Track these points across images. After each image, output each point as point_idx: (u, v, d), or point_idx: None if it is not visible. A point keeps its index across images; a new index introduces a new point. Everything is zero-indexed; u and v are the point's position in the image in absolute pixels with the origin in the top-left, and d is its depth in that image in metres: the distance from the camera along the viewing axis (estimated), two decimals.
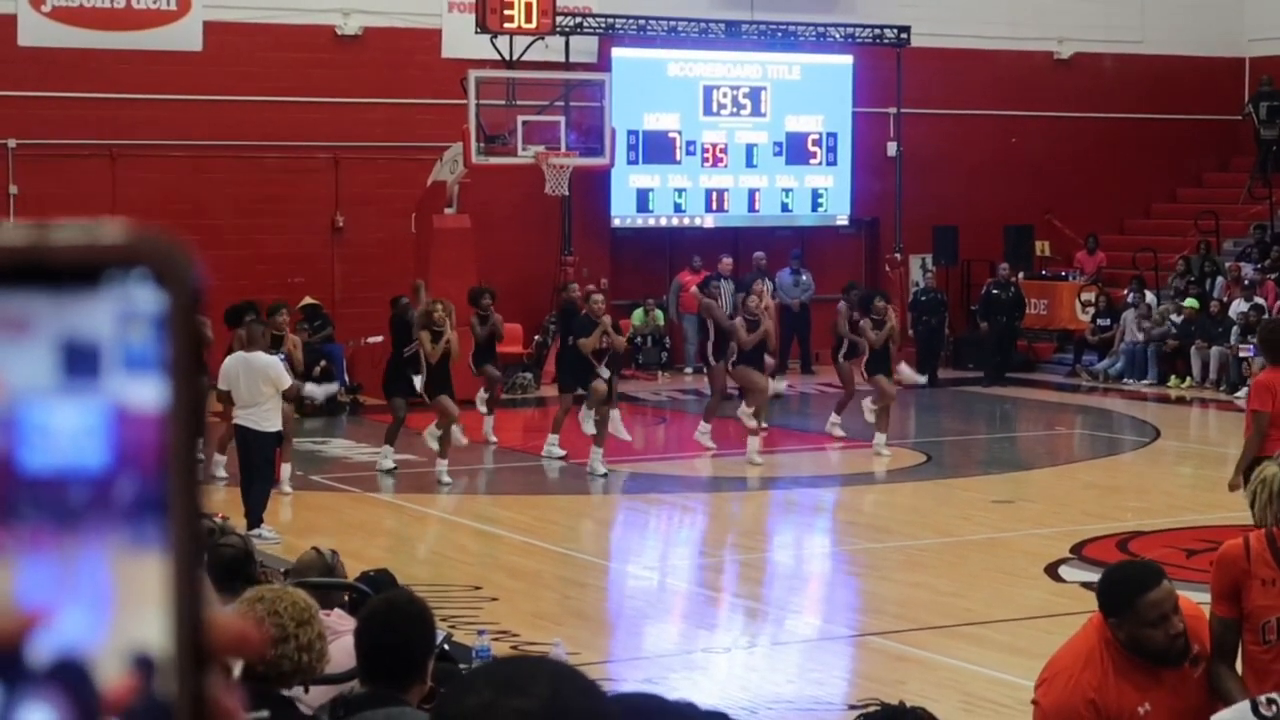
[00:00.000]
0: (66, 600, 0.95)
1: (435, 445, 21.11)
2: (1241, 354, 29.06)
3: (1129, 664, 6.19)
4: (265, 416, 17.75)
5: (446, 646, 8.63)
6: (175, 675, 0.94)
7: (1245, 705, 6.23)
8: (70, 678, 0.94)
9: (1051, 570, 16.03)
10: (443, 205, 28.23)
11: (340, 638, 7.37)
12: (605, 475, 21.29)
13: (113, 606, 0.94)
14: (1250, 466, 13.83)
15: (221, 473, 21.85)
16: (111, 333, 0.95)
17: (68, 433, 0.96)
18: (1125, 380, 30.94)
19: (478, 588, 15.34)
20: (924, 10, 33.71)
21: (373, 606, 6.36)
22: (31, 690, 0.94)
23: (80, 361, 0.95)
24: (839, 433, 23.99)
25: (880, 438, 23.13)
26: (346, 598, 8.64)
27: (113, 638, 0.94)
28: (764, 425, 22.96)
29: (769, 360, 23.04)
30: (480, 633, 10.56)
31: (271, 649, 5.78)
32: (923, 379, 24.63)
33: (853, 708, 10.90)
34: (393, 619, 6.00)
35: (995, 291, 31.98)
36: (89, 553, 0.94)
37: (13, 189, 28.53)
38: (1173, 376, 30.41)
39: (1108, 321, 31.88)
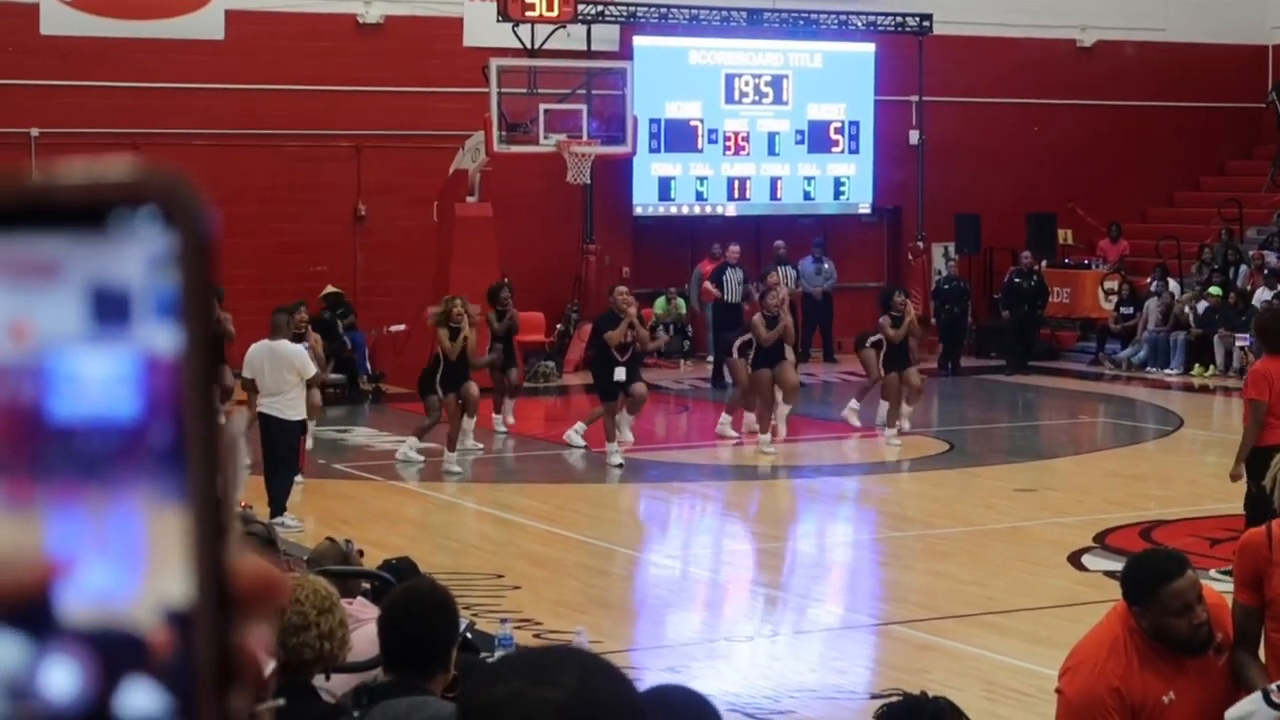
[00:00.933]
0: (96, 554, 0.94)
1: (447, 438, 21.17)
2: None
3: (1153, 652, 6.18)
4: (290, 405, 17.76)
5: (469, 635, 8.63)
6: (198, 623, 0.92)
7: (1259, 694, 6.23)
8: (100, 633, 0.93)
9: (1074, 559, 16.00)
10: (464, 194, 28.24)
11: (363, 626, 7.38)
12: (621, 466, 21.28)
13: (144, 560, 0.93)
14: (1252, 456, 13.90)
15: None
16: (141, 278, 0.95)
17: (98, 381, 0.94)
18: (1148, 369, 30.88)
19: (500, 576, 15.34)
20: None
21: (396, 595, 6.36)
22: (59, 645, 0.93)
23: (110, 308, 0.94)
24: (855, 421, 23.94)
25: (890, 432, 23.10)
26: (368, 586, 8.65)
27: (144, 592, 0.93)
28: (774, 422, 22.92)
29: (789, 355, 22.93)
30: (503, 621, 10.57)
31: (293, 637, 5.79)
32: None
33: (875, 697, 10.88)
34: (415, 607, 6.00)
35: (1018, 280, 31.91)
36: (119, 505, 0.93)
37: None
38: (1196, 365, 30.34)
39: (1130, 310, 31.81)
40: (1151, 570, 6.28)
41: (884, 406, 23.63)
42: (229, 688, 0.94)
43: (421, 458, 21.42)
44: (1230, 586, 7.10)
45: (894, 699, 4.67)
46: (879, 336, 23.52)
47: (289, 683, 5.77)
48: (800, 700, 12.01)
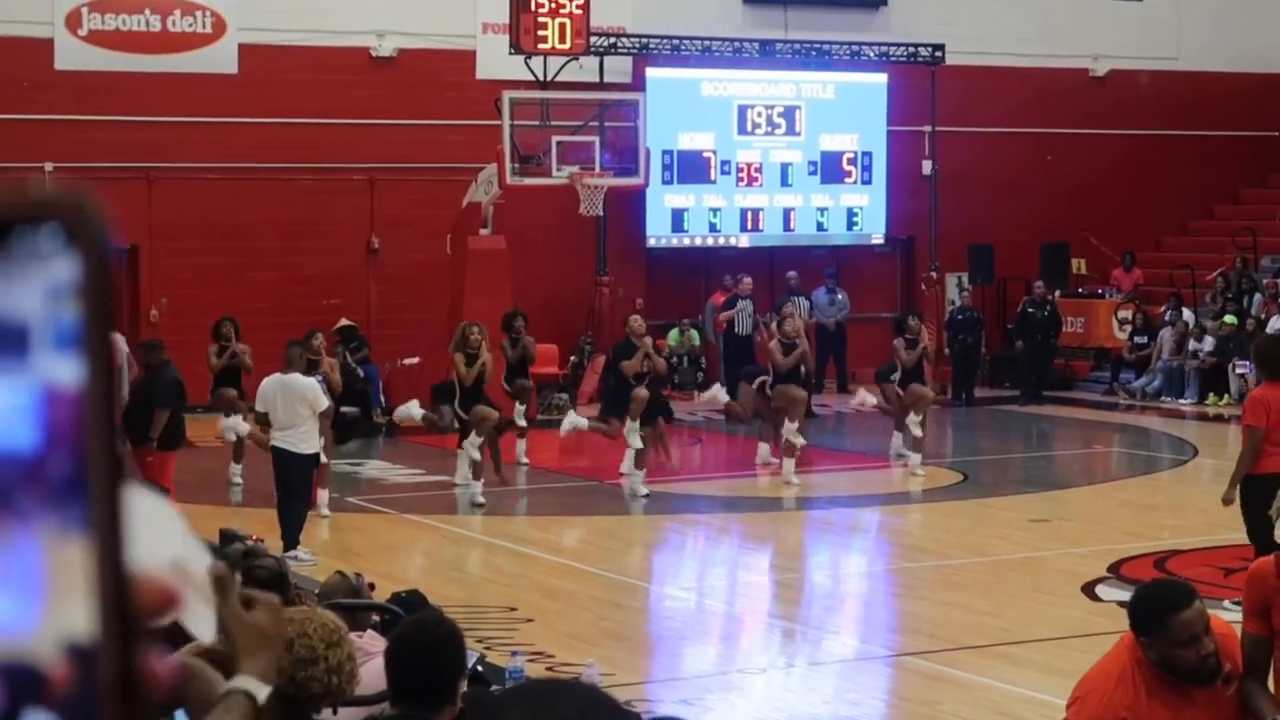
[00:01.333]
0: None
1: (469, 460, 21.12)
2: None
3: (1161, 683, 6.16)
4: (302, 438, 17.77)
5: (480, 668, 8.62)
6: (102, 645, 0.91)
7: None
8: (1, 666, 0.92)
9: (1089, 589, 15.96)
10: (478, 226, 28.27)
11: (372, 659, 7.37)
12: (647, 496, 21.25)
13: (44, 592, 0.92)
14: (1249, 484, 13.95)
15: (236, 479, 21.90)
16: (40, 309, 0.93)
17: None
18: (1163, 398, 30.83)
19: (513, 609, 15.32)
20: (958, 28, 33.68)
21: (403, 628, 6.35)
22: None
23: (9, 339, 0.93)
24: (906, 453, 23.70)
25: (916, 457, 23.08)
26: (378, 619, 8.64)
27: (45, 625, 0.92)
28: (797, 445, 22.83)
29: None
30: (514, 654, 10.55)
31: (301, 670, 5.77)
32: (872, 400, 24.24)
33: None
34: (422, 640, 5.99)
35: (1031, 310, 31.89)
36: (18, 537, 0.92)
37: None
38: (1210, 394, 30.28)
39: (1145, 339, 31.76)
40: (1159, 601, 6.25)
41: (898, 437, 23.61)
42: (133, 705, 0.93)
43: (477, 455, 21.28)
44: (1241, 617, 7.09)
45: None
46: (897, 365, 23.52)
47: (296, 717, 5.76)
48: None
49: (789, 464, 22.28)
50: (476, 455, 21.10)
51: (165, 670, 0.98)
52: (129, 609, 0.93)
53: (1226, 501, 14.58)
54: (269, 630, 2.96)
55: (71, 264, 0.95)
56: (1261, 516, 14.29)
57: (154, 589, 0.99)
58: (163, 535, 2.73)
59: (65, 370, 0.94)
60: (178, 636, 3.08)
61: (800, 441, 22.34)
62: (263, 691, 2.90)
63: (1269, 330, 29.79)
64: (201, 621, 2.77)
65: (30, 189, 0.96)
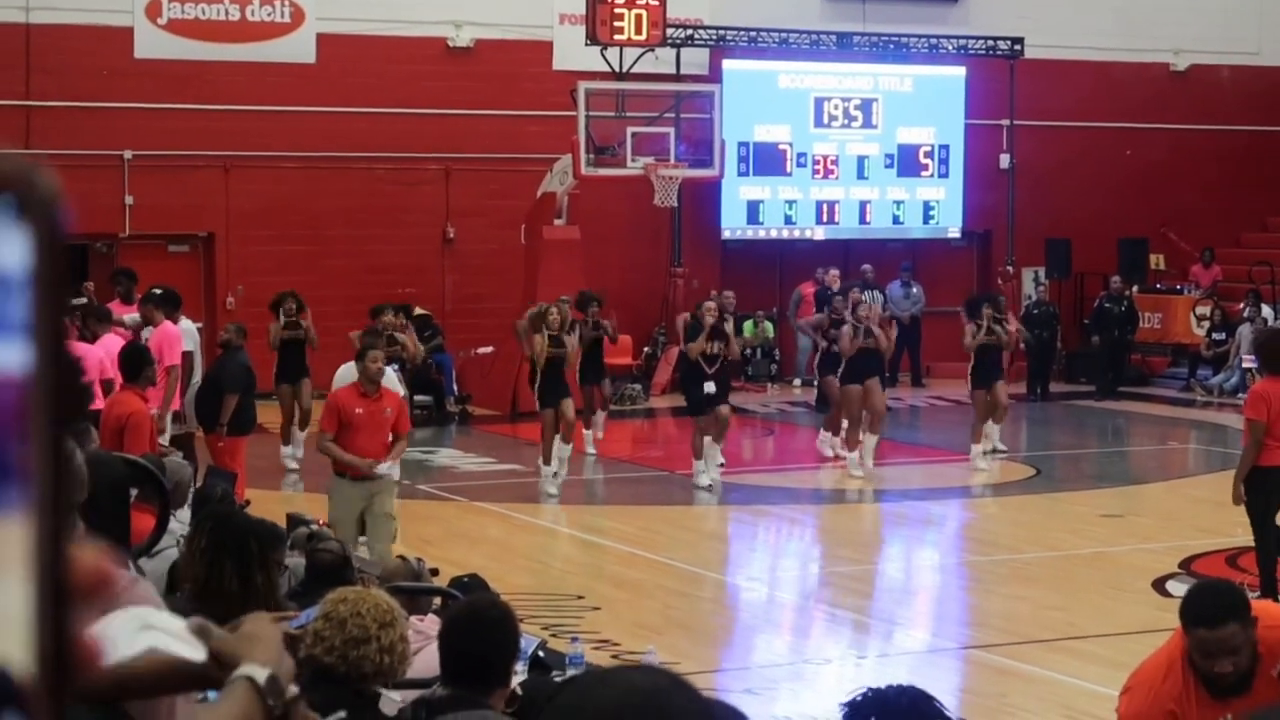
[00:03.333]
0: None
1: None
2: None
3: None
4: None
5: (541, 654, 8.63)
6: (37, 614, 0.91)
7: None
8: None
9: (1159, 585, 15.85)
10: (552, 216, 28.31)
11: (431, 643, 7.39)
12: (709, 487, 21.18)
13: None
14: (1253, 475, 14.08)
15: (292, 464, 22.03)
16: None
17: None
18: (1240, 395, 30.55)
19: (580, 597, 15.34)
20: (1037, 21, 33.49)
21: (455, 611, 6.38)
22: None
23: None
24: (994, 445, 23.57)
25: (976, 449, 22.86)
26: (438, 603, 8.66)
27: None
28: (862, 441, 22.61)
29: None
30: (573, 639, 10.56)
31: (354, 650, 5.80)
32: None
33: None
34: (475, 624, 6.02)
35: (1108, 305, 31.68)
36: None
37: (128, 199, 28.83)
38: None
39: (1223, 336, 31.51)
40: (1190, 606, 6.16)
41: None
42: (64, 677, 0.92)
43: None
44: None
45: (858, 694, 4.57)
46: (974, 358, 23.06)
47: (352, 694, 5.78)
48: None
49: (853, 455, 22.21)
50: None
51: (94, 646, 0.98)
52: (65, 585, 0.93)
53: (1237, 500, 14.60)
54: (258, 632, 3.03)
55: (24, 234, 0.93)
56: (1260, 507, 14.40)
57: (90, 568, 0.99)
58: (130, 635, 2.95)
59: (7, 352, 0.92)
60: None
61: (838, 450, 22.31)
62: (262, 673, 2.93)
63: None
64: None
65: None
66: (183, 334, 19.20)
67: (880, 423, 22.44)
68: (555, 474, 20.84)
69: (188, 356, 18.98)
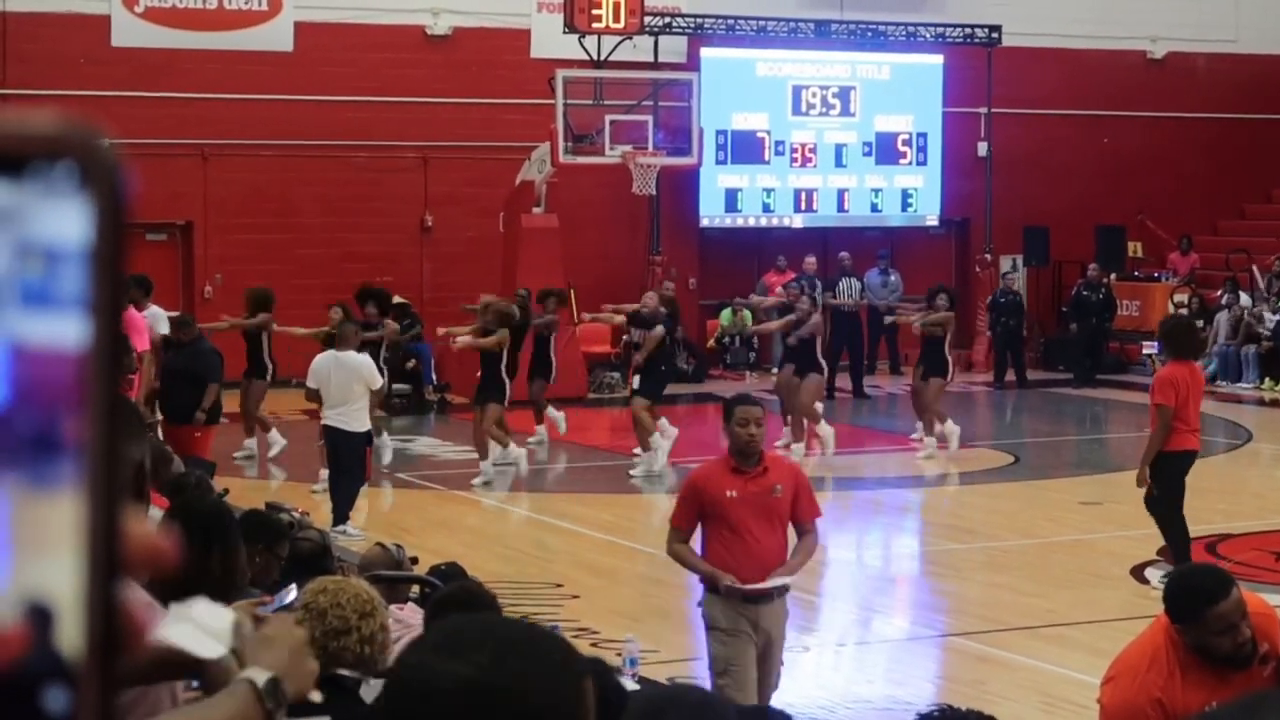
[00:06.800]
0: None
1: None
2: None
3: (1196, 664, 6.12)
4: (355, 416, 17.58)
5: None
6: (89, 592, 0.90)
7: None
8: None
9: (1137, 572, 15.88)
10: (531, 205, 28.29)
11: (411, 631, 7.38)
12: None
13: (10, 552, 0.90)
14: (1159, 460, 14.26)
15: (243, 450, 21.94)
16: (9, 266, 0.92)
17: None
18: (1219, 382, 30.63)
19: (559, 585, 15.33)
20: (1015, 9, 33.49)
21: (444, 594, 6.39)
22: None
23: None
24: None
25: (930, 440, 22.80)
26: (418, 591, 8.66)
27: (8, 585, 0.90)
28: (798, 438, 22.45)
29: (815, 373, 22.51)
30: (553, 628, 10.53)
31: (334, 640, 5.78)
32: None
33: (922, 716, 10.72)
34: (469, 605, 6.05)
35: (1086, 293, 31.74)
36: None
37: None
38: (1267, 379, 30.10)
39: (1201, 323, 31.54)
40: (1196, 591, 6.20)
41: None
42: (114, 659, 0.92)
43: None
44: None
45: (933, 713, 4.62)
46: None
47: (330, 682, 5.77)
48: (856, 711, 11.97)
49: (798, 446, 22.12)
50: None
51: (146, 623, 0.98)
52: (118, 562, 0.92)
53: (1141, 482, 14.80)
54: (275, 635, 3.04)
55: (86, 201, 0.93)
56: (1171, 492, 14.55)
57: (145, 544, 0.98)
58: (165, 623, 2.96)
59: (38, 328, 0.91)
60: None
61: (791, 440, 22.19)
62: (263, 677, 2.93)
63: None
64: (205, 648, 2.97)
65: (42, 121, 0.93)
66: (157, 319, 19.17)
67: (801, 428, 22.32)
68: (492, 469, 20.89)
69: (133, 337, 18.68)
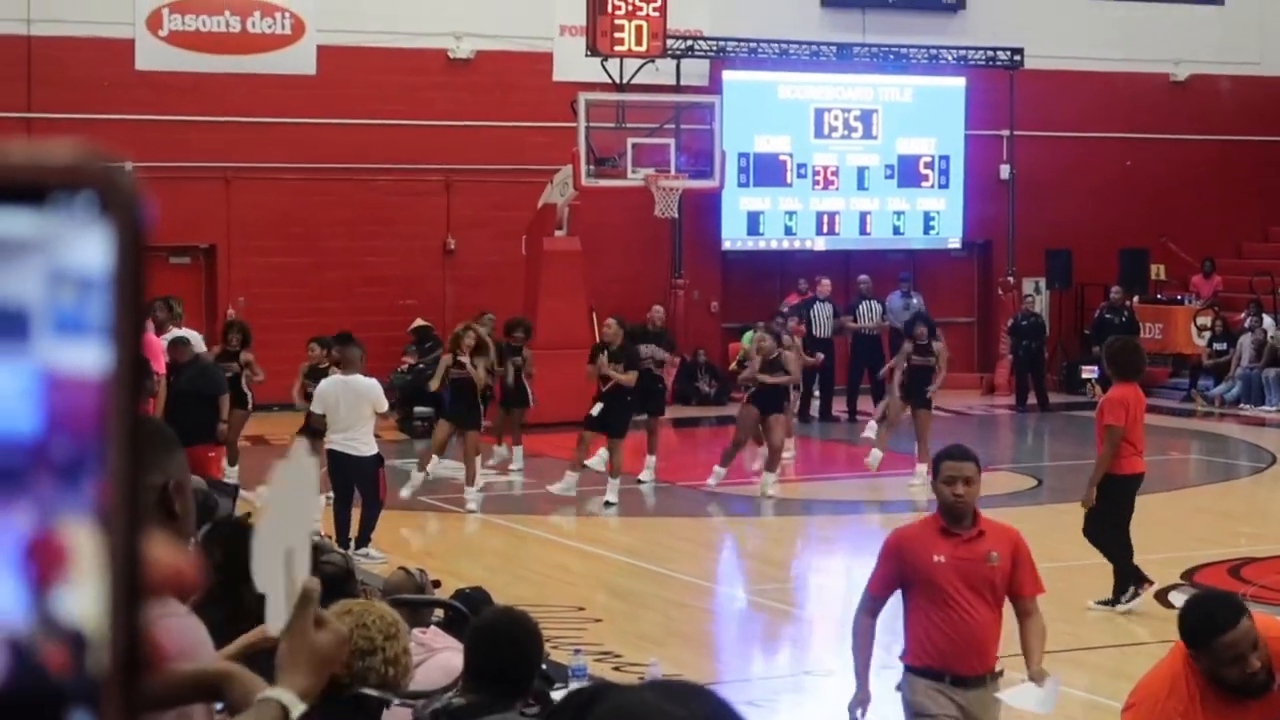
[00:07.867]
0: None
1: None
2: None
3: (1213, 690, 6.10)
4: (363, 440, 17.43)
5: (544, 665, 8.62)
6: (112, 613, 0.91)
7: None
8: None
9: (1161, 596, 15.83)
10: (553, 227, 28.30)
11: (435, 655, 7.38)
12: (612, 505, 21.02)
13: (40, 576, 0.91)
14: (1107, 482, 14.20)
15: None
16: (43, 295, 0.92)
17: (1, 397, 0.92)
18: (1242, 405, 30.57)
19: (581, 608, 15.32)
20: (1037, 32, 33.50)
21: (492, 618, 6.43)
22: None
23: (9, 324, 0.92)
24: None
25: (921, 468, 22.74)
26: (441, 615, 8.65)
27: (40, 608, 0.91)
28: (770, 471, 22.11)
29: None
30: (576, 652, 10.54)
31: (359, 661, 5.79)
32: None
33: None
34: (514, 631, 6.13)
35: (1109, 316, 31.68)
36: (16, 522, 0.91)
37: None
38: None
39: (1224, 346, 31.52)
40: (1204, 620, 6.18)
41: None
42: (137, 681, 0.92)
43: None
44: None
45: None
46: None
47: (355, 701, 5.77)
48: None
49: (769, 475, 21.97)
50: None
51: (168, 646, 0.99)
52: (140, 585, 0.93)
53: (1085, 504, 14.78)
54: (326, 655, 2.99)
55: (105, 230, 0.94)
56: (1118, 515, 14.49)
57: (167, 568, 0.98)
58: (298, 518, 2.84)
59: (71, 356, 0.92)
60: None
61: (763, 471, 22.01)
62: (297, 708, 2.90)
63: None
64: (277, 615, 2.87)
65: (62, 153, 0.94)
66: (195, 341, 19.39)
67: (777, 459, 22.05)
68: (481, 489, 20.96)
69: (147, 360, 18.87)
